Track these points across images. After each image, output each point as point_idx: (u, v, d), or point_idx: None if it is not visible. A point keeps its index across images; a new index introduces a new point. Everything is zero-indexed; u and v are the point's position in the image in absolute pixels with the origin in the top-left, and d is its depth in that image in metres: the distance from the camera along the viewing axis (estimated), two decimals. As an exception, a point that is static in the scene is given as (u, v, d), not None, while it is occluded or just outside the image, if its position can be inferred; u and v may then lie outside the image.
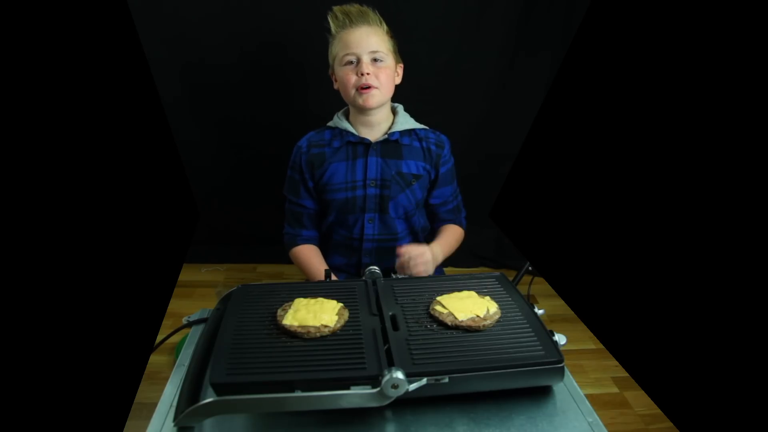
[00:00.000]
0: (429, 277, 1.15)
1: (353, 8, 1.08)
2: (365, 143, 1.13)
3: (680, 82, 0.54)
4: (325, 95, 1.69)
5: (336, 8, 1.09)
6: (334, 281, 0.88)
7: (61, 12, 0.46)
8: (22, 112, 0.37)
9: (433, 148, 1.17)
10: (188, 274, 1.99)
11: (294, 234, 1.19)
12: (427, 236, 1.25)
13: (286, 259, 2.03)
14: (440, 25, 1.68)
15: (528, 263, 1.68)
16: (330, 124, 1.19)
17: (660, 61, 0.58)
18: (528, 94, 1.72)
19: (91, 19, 0.54)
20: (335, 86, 1.15)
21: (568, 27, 1.68)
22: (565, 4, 1.67)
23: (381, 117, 1.15)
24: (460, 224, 1.23)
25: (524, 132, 0.97)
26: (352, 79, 1.07)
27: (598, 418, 0.63)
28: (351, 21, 1.07)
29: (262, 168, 1.88)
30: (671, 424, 0.49)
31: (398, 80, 1.15)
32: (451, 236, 1.20)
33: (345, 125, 1.14)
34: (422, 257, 1.04)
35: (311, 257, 1.16)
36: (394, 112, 1.19)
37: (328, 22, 1.10)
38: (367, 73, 1.05)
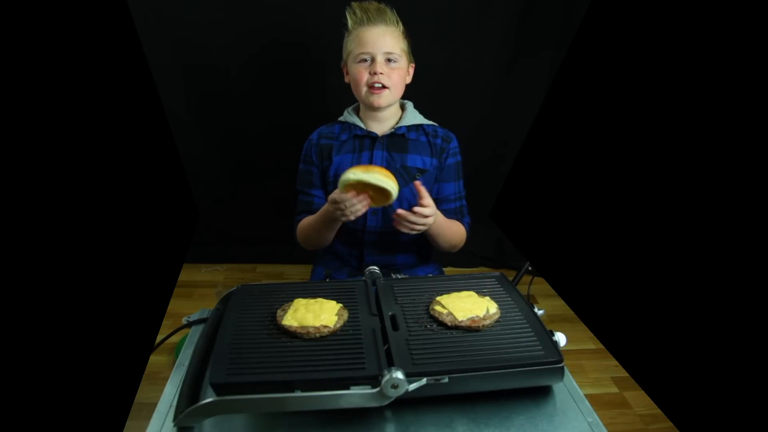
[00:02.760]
0: (429, 277, 1.16)
1: (372, 6, 1.09)
2: (372, 137, 1.15)
3: (680, 82, 0.54)
4: (323, 95, 1.70)
5: (354, 4, 1.10)
6: (334, 281, 0.88)
7: (62, 16, 0.46)
8: (25, 115, 0.37)
9: (438, 141, 1.17)
10: (188, 274, 1.99)
11: (303, 219, 1.18)
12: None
13: (286, 259, 2.05)
14: (440, 25, 1.68)
15: (528, 263, 1.68)
16: (340, 119, 1.21)
17: (660, 61, 0.58)
18: (528, 94, 1.73)
19: (92, 22, 0.54)
20: (346, 79, 1.16)
21: (568, 27, 1.68)
22: (565, 4, 1.67)
23: (389, 113, 1.16)
24: (462, 224, 1.20)
25: (524, 132, 0.97)
26: (365, 77, 1.09)
27: (597, 418, 0.63)
28: (369, 19, 1.08)
29: (263, 168, 1.88)
30: (671, 424, 0.49)
31: (409, 80, 1.17)
32: (451, 223, 1.16)
33: (354, 119, 1.16)
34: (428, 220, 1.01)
35: (312, 216, 1.15)
36: (402, 108, 1.20)
37: (345, 17, 1.11)
38: (380, 73, 1.07)
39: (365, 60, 1.09)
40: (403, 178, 1.14)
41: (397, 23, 1.10)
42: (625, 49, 0.65)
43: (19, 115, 0.36)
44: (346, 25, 1.12)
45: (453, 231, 1.15)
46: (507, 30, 1.72)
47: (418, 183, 1.00)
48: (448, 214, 1.17)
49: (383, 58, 1.07)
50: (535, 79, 1.76)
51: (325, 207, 1.05)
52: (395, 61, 1.08)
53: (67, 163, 0.43)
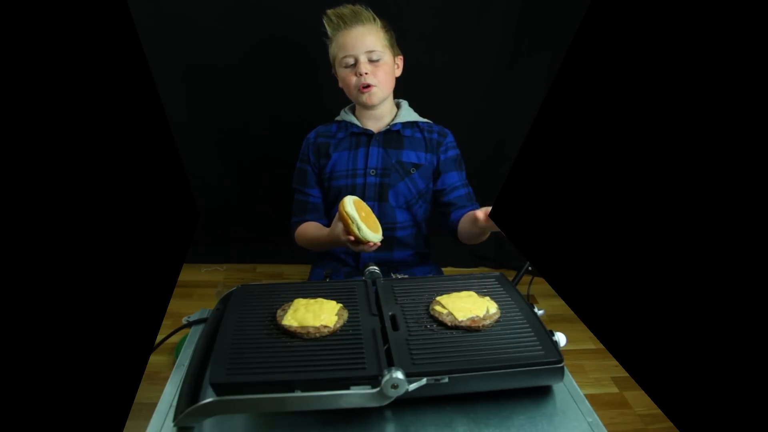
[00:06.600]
0: (429, 277, 1.16)
1: (346, 10, 1.12)
2: (368, 134, 1.19)
3: (681, 82, 0.54)
4: (325, 95, 1.70)
5: (330, 11, 1.14)
6: (334, 281, 0.88)
7: (62, 17, 0.46)
8: (25, 115, 0.37)
9: (435, 136, 1.20)
10: (188, 274, 1.99)
11: (299, 221, 1.22)
12: (443, 229, 1.23)
13: (286, 259, 2.06)
14: (440, 25, 1.68)
15: (528, 263, 1.68)
16: (337, 118, 1.24)
17: (661, 61, 0.58)
18: (528, 94, 1.73)
19: (91, 22, 0.54)
20: (340, 84, 1.19)
21: (568, 27, 1.68)
22: (565, 4, 1.67)
23: (384, 110, 1.20)
24: None
25: (524, 132, 0.97)
26: (353, 80, 1.12)
27: (597, 418, 0.63)
28: (345, 23, 1.11)
29: (263, 168, 1.88)
30: (671, 424, 0.49)
31: (398, 72, 1.19)
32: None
33: (350, 118, 1.20)
34: None
35: (317, 227, 1.18)
36: (398, 106, 1.23)
37: (324, 27, 1.15)
38: (366, 73, 1.10)
39: (350, 63, 1.12)
40: (398, 173, 1.17)
41: (374, 20, 1.13)
42: (626, 49, 0.65)
43: (18, 116, 0.36)
44: (326, 33, 1.15)
45: None
46: (507, 30, 1.72)
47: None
48: (461, 200, 1.18)
49: (366, 57, 1.11)
50: (535, 78, 1.76)
51: (336, 235, 1.03)
52: (379, 59, 1.11)
53: (67, 163, 0.43)
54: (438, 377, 0.61)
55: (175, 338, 0.89)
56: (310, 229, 1.18)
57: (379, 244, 0.99)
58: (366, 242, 0.97)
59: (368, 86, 1.11)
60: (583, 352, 1.60)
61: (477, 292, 0.77)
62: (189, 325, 0.83)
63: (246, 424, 0.62)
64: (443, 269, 1.35)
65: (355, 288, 0.80)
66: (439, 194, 1.21)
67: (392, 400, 0.59)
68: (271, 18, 1.66)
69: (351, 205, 0.95)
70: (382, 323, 0.71)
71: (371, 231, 0.97)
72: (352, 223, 0.94)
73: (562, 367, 0.64)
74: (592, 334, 0.66)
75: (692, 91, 0.52)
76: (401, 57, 1.19)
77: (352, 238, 0.97)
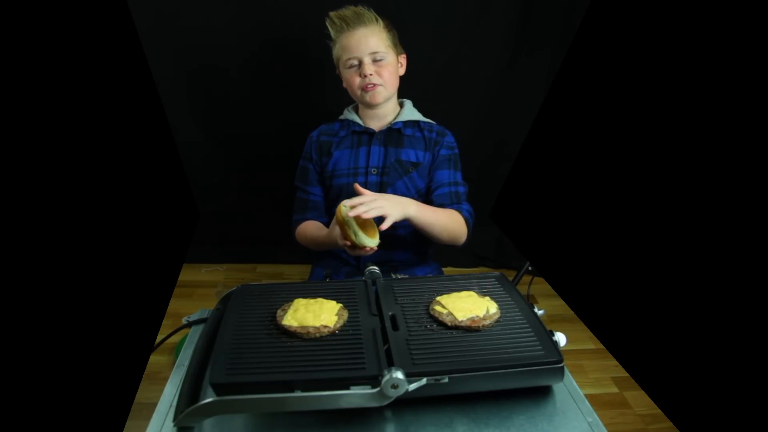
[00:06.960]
0: (429, 277, 1.16)
1: (348, 12, 1.13)
2: (369, 132, 1.20)
3: (680, 81, 0.54)
4: (328, 95, 1.70)
5: (332, 14, 1.14)
6: (334, 281, 0.88)
7: (64, 20, 0.46)
8: (28, 118, 0.37)
9: (434, 135, 1.21)
10: (188, 274, 1.99)
11: (300, 220, 1.23)
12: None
13: (286, 259, 2.06)
14: (440, 26, 1.68)
15: (528, 263, 1.68)
16: (341, 117, 1.25)
17: (660, 61, 0.58)
18: (528, 94, 1.73)
19: (93, 25, 0.54)
20: (344, 85, 1.20)
21: (568, 27, 1.68)
22: (565, 4, 1.67)
23: (387, 110, 1.21)
24: (458, 210, 1.15)
25: (524, 132, 0.97)
26: (357, 81, 1.13)
27: (597, 418, 0.63)
28: (348, 25, 1.12)
29: (263, 168, 1.88)
30: (671, 424, 0.49)
31: (402, 71, 1.20)
32: (441, 211, 1.12)
33: (353, 117, 1.21)
34: (374, 203, 0.95)
35: (318, 227, 1.19)
36: (401, 105, 1.24)
37: (327, 28, 1.15)
38: (370, 74, 1.11)
39: (354, 65, 1.13)
40: (397, 171, 1.18)
41: (377, 20, 1.13)
42: (626, 49, 0.65)
43: (21, 118, 0.36)
44: (329, 36, 1.16)
45: (446, 219, 1.11)
46: (507, 30, 1.72)
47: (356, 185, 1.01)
48: (440, 198, 1.17)
49: (370, 59, 1.11)
50: (535, 78, 1.76)
51: (334, 238, 1.03)
52: (382, 59, 1.12)
53: (68, 164, 0.43)
54: (438, 377, 0.61)
55: (175, 338, 0.89)
56: (311, 228, 1.19)
57: (376, 248, 0.99)
58: (363, 247, 0.97)
59: (373, 85, 1.12)
60: (583, 352, 1.60)
61: (477, 292, 0.77)
62: (189, 325, 0.83)
63: (246, 424, 0.62)
64: (443, 269, 1.35)
65: (355, 288, 0.80)
66: (427, 192, 1.21)
67: (392, 400, 0.59)
68: (272, 18, 1.66)
69: (348, 210, 0.95)
70: (382, 323, 0.71)
71: (368, 236, 0.96)
72: (349, 228, 0.95)
73: (562, 367, 0.64)
74: (592, 334, 0.66)
75: (691, 91, 0.52)
76: (404, 55, 1.20)
77: (348, 243, 0.97)
